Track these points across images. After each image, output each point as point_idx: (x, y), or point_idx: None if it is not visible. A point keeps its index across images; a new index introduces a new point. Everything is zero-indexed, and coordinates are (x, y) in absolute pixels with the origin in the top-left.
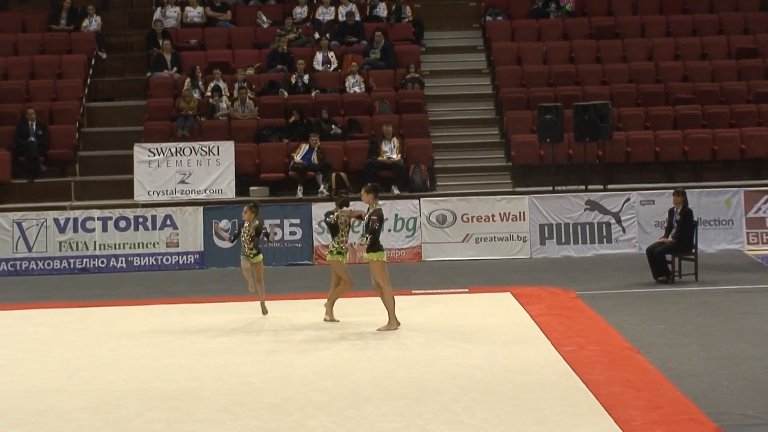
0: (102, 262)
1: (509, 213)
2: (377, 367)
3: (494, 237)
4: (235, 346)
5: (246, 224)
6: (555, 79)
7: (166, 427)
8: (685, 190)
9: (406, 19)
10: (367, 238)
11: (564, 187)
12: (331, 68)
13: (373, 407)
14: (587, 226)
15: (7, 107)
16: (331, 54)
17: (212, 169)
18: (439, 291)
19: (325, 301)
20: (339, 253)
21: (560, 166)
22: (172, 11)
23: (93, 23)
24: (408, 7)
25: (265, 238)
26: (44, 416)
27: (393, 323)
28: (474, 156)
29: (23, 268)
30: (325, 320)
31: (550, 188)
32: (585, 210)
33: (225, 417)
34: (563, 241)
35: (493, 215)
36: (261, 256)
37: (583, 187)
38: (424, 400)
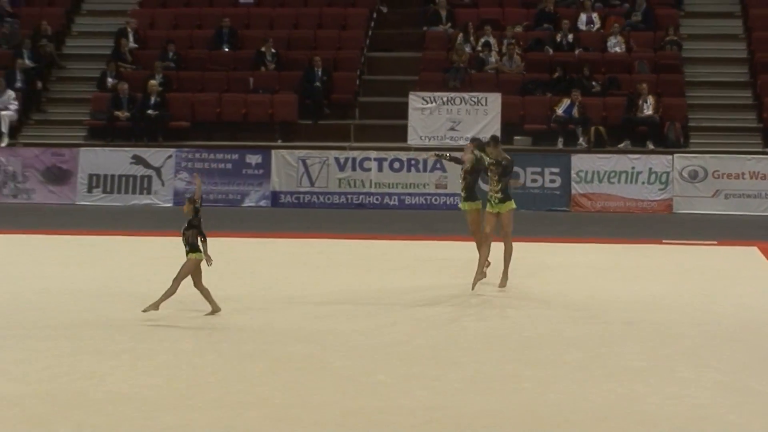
0: (376, 199)
1: (759, 172)
2: (627, 309)
3: (743, 194)
4: (491, 282)
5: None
6: None
7: (432, 353)
8: None
9: None
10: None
11: None
12: (594, 28)
13: (624, 347)
14: None
15: (296, 54)
16: (594, 15)
17: (480, 118)
18: (688, 242)
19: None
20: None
21: None
22: None
23: None
24: None
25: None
26: (323, 336)
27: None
28: (726, 116)
29: (305, 201)
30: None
31: None
32: None
33: (481, 347)
34: None
35: (743, 173)
36: (195, 255)
37: None
38: (672, 343)
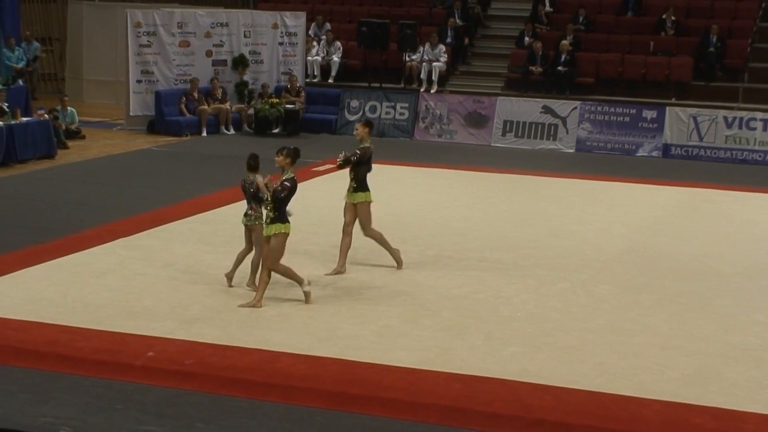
0: (759, 156)
1: None
2: None
3: None
4: None
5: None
6: None
7: None
8: None
9: None
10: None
11: None
12: None
13: None
14: None
15: (694, 22)
16: None
17: None
18: None
19: None
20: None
21: None
22: None
23: None
24: None
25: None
26: (707, 276)
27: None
28: None
29: (693, 154)
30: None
31: None
32: None
33: None
34: None
35: None
36: (264, 224)
37: None
38: None
